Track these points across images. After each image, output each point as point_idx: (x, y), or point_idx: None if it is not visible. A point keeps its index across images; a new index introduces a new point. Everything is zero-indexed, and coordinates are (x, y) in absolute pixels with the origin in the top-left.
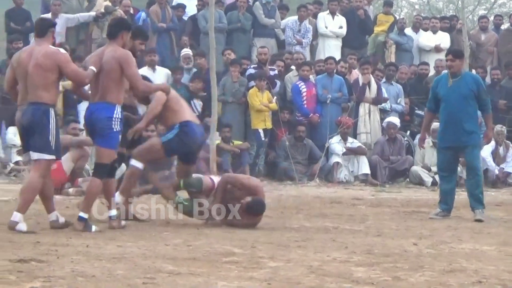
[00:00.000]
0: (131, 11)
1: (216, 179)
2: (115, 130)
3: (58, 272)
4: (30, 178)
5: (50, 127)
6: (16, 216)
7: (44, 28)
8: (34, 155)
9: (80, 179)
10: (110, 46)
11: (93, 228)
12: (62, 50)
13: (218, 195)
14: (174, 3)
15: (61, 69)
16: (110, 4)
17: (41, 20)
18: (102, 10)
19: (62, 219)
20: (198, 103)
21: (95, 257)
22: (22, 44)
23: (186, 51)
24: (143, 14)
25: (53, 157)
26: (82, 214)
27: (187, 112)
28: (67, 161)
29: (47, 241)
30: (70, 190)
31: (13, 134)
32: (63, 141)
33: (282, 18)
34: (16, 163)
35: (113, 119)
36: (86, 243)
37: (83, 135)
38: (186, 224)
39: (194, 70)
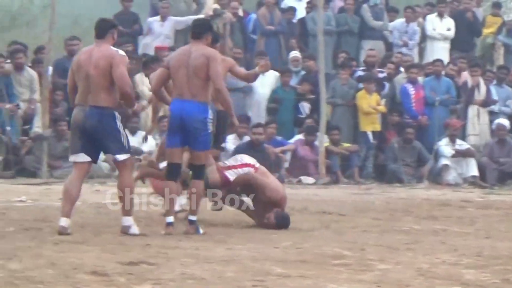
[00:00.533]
0: (240, 14)
1: (233, 174)
2: (209, 131)
3: (167, 274)
4: (123, 179)
5: (120, 129)
6: (128, 220)
7: (105, 29)
8: (117, 157)
9: None
10: (196, 46)
11: (201, 230)
12: (120, 52)
13: (234, 187)
14: (283, 6)
15: (112, 69)
16: (218, 7)
17: (102, 21)
18: (211, 13)
19: (70, 230)
20: (306, 106)
21: (204, 259)
22: (132, 47)
23: (295, 53)
24: (253, 16)
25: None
26: (191, 217)
27: None
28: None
29: (157, 243)
30: None
31: None
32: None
33: (391, 21)
34: None
35: (208, 120)
36: (195, 245)
37: None
38: (295, 227)
39: (303, 72)
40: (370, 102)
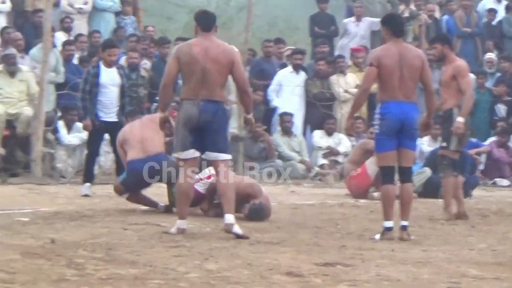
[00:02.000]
0: (437, 15)
1: (203, 187)
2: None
3: (363, 276)
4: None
5: (227, 127)
6: (230, 218)
7: (212, 22)
8: (221, 156)
9: None
10: (399, 44)
11: (377, 236)
12: (235, 48)
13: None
14: (480, 8)
15: (233, 67)
16: (414, 8)
17: (207, 14)
18: (407, 15)
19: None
20: (502, 107)
21: (400, 261)
22: (328, 48)
23: (490, 55)
24: (445, 18)
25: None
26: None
27: None
28: (371, 165)
29: (353, 245)
30: (375, 194)
31: (319, 138)
32: (367, 145)
33: None
34: (321, 166)
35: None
36: (391, 247)
37: None
38: (490, 230)
39: (498, 74)
40: None
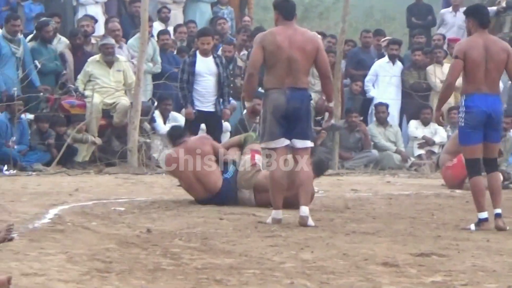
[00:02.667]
0: None
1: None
2: None
3: (458, 266)
4: (303, 168)
5: (311, 114)
6: (306, 210)
7: (294, 10)
8: (307, 143)
9: None
10: (485, 35)
11: (472, 226)
12: (318, 35)
13: None
14: None
15: (318, 54)
16: None
17: (287, 2)
18: (503, 5)
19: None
20: None
21: (495, 251)
22: (425, 38)
23: None
24: None
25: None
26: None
27: None
28: None
29: (448, 235)
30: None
31: (414, 128)
32: None
33: None
34: (418, 156)
35: None
36: (486, 237)
37: None
38: None
39: None
40: None
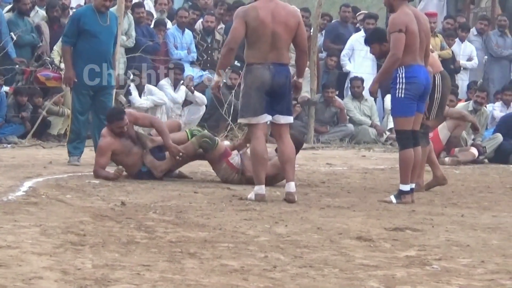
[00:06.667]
0: None
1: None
2: None
3: (432, 241)
4: (287, 143)
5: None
6: (293, 186)
7: None
8: (290, 119)
9: (456, 149)
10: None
11: (393, 198)
12: (297, 9)
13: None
14: None
15: (298, 29)
16: None
17: None
18: None
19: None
20: None
21: (469, 226)
22: None
23: None
24: None
25: None
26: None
27: None
28: (443, 130)
29: (422, 210)
30: (446, 159)
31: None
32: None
33: None
34: (391, 130)
35: None
36: (461, 212)
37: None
38: None
39: None
40: None
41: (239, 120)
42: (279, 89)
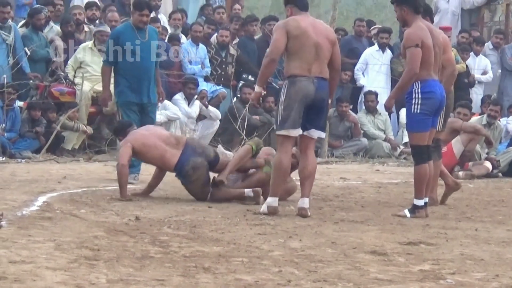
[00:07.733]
0: None
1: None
2: None
3: (446, 255)
4: (311, 159)
5: None
6: (307, 202)
7: (307, 1)
8: (322, 134)
9: (470, 163)
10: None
11: (407, 213)
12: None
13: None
14: None
15: (334, 46)
16: None
17: None
18: None
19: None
20: None
21: (483, 240)
22: None
23: None
24: None
25: None
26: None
27: None
28: (457, 144)
29: (437, 224)
30: (460, 173)
31: (404, 116)
32: (454, 124)
33: None
34: (407, 145)
35: None
36: (475, 226)
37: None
38: None
39: None
40: None
41: (277, 132)
42: (319, 104)
